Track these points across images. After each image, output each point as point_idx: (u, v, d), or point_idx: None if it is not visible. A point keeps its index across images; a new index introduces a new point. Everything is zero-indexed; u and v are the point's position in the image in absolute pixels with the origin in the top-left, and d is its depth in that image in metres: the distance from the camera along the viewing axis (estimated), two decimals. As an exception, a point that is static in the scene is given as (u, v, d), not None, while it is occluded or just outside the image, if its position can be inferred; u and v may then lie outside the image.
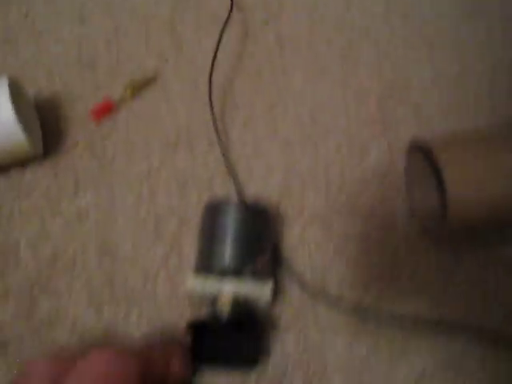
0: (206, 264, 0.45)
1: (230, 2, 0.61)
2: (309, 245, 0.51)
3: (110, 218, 0.53)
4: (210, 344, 0.44)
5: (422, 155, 0.50)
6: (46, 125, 0.56)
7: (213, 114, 0.54)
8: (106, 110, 0.57)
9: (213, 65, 0.55)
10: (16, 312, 0.49)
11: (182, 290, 0.50)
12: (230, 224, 0.46)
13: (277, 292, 0.49)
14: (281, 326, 0.48)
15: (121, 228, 0.52)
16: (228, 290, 0.44)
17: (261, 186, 0.54)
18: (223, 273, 0.44)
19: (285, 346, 0.47)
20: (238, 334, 0.44)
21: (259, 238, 0.46)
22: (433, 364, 0.47)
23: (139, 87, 0.58)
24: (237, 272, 0.44)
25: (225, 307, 0.44)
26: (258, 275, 0.45)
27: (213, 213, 0.47)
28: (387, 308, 0.49)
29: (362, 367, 0.47)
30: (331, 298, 0.49)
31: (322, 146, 0.56)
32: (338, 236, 0.52)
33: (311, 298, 0.49)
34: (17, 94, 0.52)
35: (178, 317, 0.48)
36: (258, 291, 0.44)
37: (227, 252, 0.45)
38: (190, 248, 0.50)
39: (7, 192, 0.54)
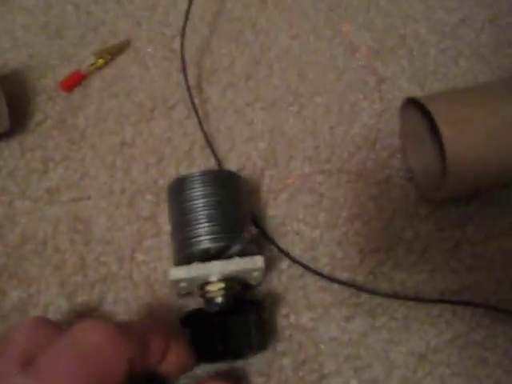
0: (185, 253, 0.40)
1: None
2: (297, 215, 0.47)
3: (81, 196, 0.49)
4: (209, 337, 0.38)
5: (419, 111, 0.46)
6: (12, 99, 0.52)
7: (186, 79, 0.49)
8: (77, 80, 0.53)
9: (185, 25, 0.50)
10: (-17, 301, 0.45)
11: (160, 272, 0.46)
12: (199, 198, 0.40)
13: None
14: (268, 307, 0.44)
15: (93, 206, 0.48)
16: (216, 271, 0.39)
17: (244, 154, 0.50)
18: (206, 256, 0.39)
19: (274, 326, 0.43)
20: (239, 319, 0.39)
21: (236, 209, 0.41)
22: (435, 341, 0.44)
23: (111, 54, 0.54)
24: (221, 252, 0.39)
25: (217, 293, 0.39)
26: (245, 251, 0.40)
27: (177, 191, 0.42)
28: (384, 283, 0.45)
29: (358, 347, 0.43)
30: (323, 273, 0.44)
31: (309, 107, 0.51)
32: (328, 205, 0.48)
33: (301, 274, 0.45)
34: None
35: (156, 300, 0.44)
36: (250, 265, 0.39)
37: (204, 232, 0.39)
38: (167, 226, 0.46)
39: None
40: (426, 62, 0.53)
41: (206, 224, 0.39)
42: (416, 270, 0.45)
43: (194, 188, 0.41)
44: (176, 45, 0.54)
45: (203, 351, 0.38)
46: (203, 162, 0.49)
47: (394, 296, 0.44)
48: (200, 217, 0.40)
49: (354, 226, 0.47)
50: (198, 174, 0.41)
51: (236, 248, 0.38)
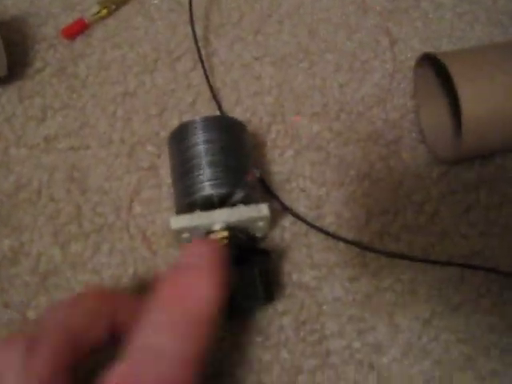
0: (187, 201, 0.38)
1: None
2: (303, 173, 0.45)
3: (79, 145, 0.47)
4: None
5: (433, 71, 0.44)
6: (11, 46, 0.50)
7: (193, 30, 0.47)
8: (79, 29, 0.51)
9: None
10: (-27, 248, 0.43)
11: (158, 224, 0.44)
12: (201, 144, 0.38)
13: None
14: (271, 263, 0.42)
15: (92, 156, 0.46)
16: (220, 220, 0.37)
17: (250, 108, 0.48)
18: (209, 204, 0.38)
19: (275, 287, 0.41)
20: (245, 270, 0.37)
21: (240, 156, 0.39)
22: (442, 306, 0.42)
23: (116, 4, 0.52)
24: (224, 199, 0.38)
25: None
26: (249, 199, 0.38)
27: (178, 138, 0.40)
28: (390, 244, 0.43)
29: (362, 308, 0.41)
30: (328, 233, 0.42)
31: (319, 64, 0.50)
32: (335, 164, 0.46)
33: (305, 232, 0.43)
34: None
35: (153, 253, 0.42)
36: (255, 213, 0.38)
37: (206, 178, 0.38)
38: (168, 178, 0.44)
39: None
40: (441, 25, 0.51)
41: (209, 170, 0.38)
42: (424, 233, 0.44)
43: (195, 134, 0.39)
44: (182, -5, 0.52)
45: None
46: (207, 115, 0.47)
47: (400, 256, 0.42)
48: (202, 163, 0.38)
49: (362, 185, 0.45)
50: (199, 120, 0.39)
51: (239, 194, 0.37)
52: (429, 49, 0.50)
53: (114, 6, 0.52)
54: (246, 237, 0.39)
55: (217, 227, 0.37)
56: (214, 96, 0.45)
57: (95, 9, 0.52)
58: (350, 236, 0.43)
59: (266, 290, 0.38)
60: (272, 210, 0.42)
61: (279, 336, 0.41)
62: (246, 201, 0.38)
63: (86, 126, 0.47)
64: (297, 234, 0.43)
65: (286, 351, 0.40)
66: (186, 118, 0.47)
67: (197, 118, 0.39)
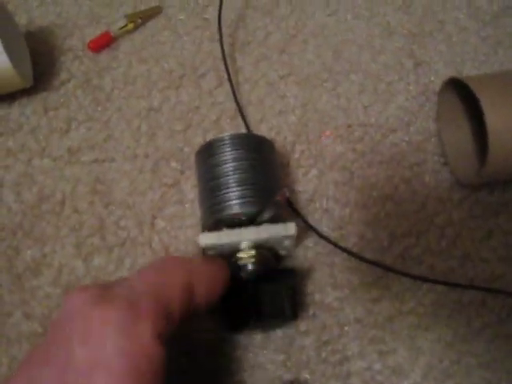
0: (215, 218, 0.38)
1: None
2: (326, 193, 0.46)
3: (104, 158, 0.47)
4: (243, 306, 0.37)
5: (457, 95, 0.44)
6: (38, 57, 0.51)
7: (222, 45, 0.48)
8: (105, 42, 0.51)
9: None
10: (-4, 258, 0.43)
11: (181, 240, 0.44)
12: (229, 161, 0.38)
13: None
14: (296, 281, 0.42)
15: (116, 169, 0.47)
16: (247, 238, 0.37)
17: (275, 127, 0.48)
18: (236, 223, 0.38)
19: (298, 306, 0.41)
20: (272, 287, 0.37)
21: (268, 174, 0.39)
22: (463, 330, 0.42)
23: (142, 19, 0.52)
24: (251, 218, 0.37)
25: (248, 260, 0.37)
26: (275, 218, 0.37)
27: (206, 155, 0.40)
28: (413, 267, 0.43)
29: (384, 330, 0.41)
30: (351, 253, 0.42)
31: (344, 85, 0.50)
32: (358, 185, 0.46)
33: (328, 252, 0.43)
34: (3, 19, 0.46)
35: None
36: (283, 232, 0.37)
37: (234, 196, 0.37)
38: (192, 194, 0.44)
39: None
40: (465, 48, 0.52)
41: (237, 188, 0.37)
42: (446, 257, 0.44)
43: (224, 151, 0.39)
44: (209, 14, 0.53)
45: (236, 318, 0.37)
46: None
47: (423, 279, 0.42)
48: (230, 181, 0.38)
49: (385, 207, 0.45)
50: (228, 137, 0.39)
51: (268, 213, 0.37)
52: (452, 72, 0.50)
53: (140, 21, 0.52)
54: (271, 255, 0.39)
55: (244, 246, 0.37)
56: (241, 113, 0.45)
57: (122, 22, 0.52)
58: (372, 257, 0.43)
59: (291, 308, 0.38)
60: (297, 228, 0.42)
61: (300, 355, 0.41)
62: (273, 219, 0.37)
63: (110, 139, 0.47)
64: (320, 253, 0.43)
65: (307, 371, 0.40)
66: (210, 136, 0.47)
67: (226, 134, 0.39)
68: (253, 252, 0.37)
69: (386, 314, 0.42)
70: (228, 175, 0.38)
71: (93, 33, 0.52)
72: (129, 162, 0.47)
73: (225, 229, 0.37)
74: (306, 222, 0.43)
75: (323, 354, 0.41)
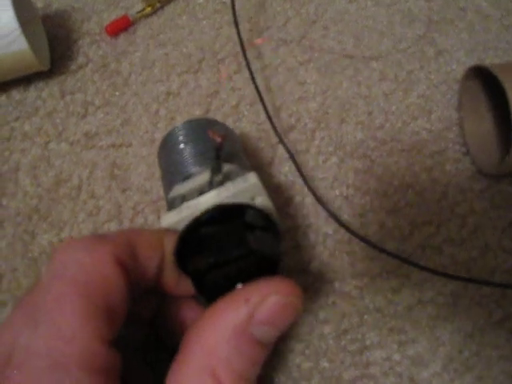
0: (175, 195, 0.35)
1: None
2: (347, 181, 0.45)
3: (121, 143, 0.46)
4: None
5: (480, 84, 0.44)
6: (55, 40, 0.50)
7: (238, 32, 0.47)
8: (123, 26, 0.51)
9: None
10: (12, 242, 0.43)
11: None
12: (178, 141, 0.37)
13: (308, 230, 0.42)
14: (312, 272, 0.42)
15: (133, 154, 0.46)
16: (209, 203, 0.32)
17: (294, 113, 0.47)
18: (191, 193, 0.34)
19: (317, 294, 0.41)
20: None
21: (205, 140, 0.37)
22: (483, 321, 0.41)
23: (160, 2, 0.52)
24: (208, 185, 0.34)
25: None
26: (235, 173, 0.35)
27: (163, 146, 0.39)
28: (433, 256, 0.43)
29: (404, 320, 0.41)
30: (370, 243, 0.42)
31: (364, 72, 0.49)
32: (379, 173, 0.45)
33: (348, 240, 0.43)
34: (20, 1, 0.45)
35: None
36: (242, 183, 0.33)
37: (187, 162, 0.36)
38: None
39: (8, 111, 0.48)
40: (487, 36, 0.51)
41: (187, 156, 0.36)
42: (467, 246, 0.43)
43: (174, 135, 0.38)
44: (228, -1, 0.52)
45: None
46: (251, 118, 0.47)
47: (440, 273, 0.41)
48: (183, 153, 0.37)
49: (405, 196, 0.44)
50: (180, 126, 0.38)
51: (220, 175, 0.33)
52: (474, 60, 0.49)
53: (158, 4, 0.51)
54: None
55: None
56: (261, 99, 0.44)
57: (140, 6, 0.51)
58: (392, 246, 0.43)
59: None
60: (314, 216, 0.42)
61: (319, 344, 0.40)
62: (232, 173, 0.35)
63: (127, 124, 0.47)
64: (339, 241, 0.43)
65: (326, 360, 0.40)
66: (228, 121, 0.47)
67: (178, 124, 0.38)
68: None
69: (406, 304, 0.41)
70: (183, 155, 0.37)
71: (110, 17, 0.52)
72: (146, 147, 0.46)
73: (184, 203, 0.33)
74: (326, 209, 0.42)
75: (342, 343, 0.40)
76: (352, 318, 0.41)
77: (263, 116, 0.46)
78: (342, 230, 0.43)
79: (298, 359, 0.40)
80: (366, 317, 0.41)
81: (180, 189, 0.35)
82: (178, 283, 0.33)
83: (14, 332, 0.27)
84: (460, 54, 0.50)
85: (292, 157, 0.43)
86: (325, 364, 0.40)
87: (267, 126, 0.46)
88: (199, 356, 0.28)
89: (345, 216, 0.44)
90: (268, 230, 0.33)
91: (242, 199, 0.33)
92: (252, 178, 0.33)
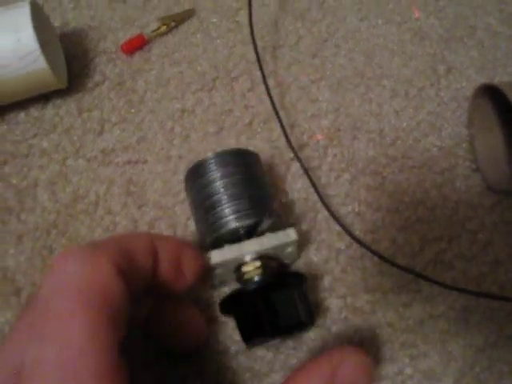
0: (213, 237, 0.38)
1: None
2: (359, 197, 0.46)
3: (137, 159, 0.47)
4: (255, 318, 0.36)
5: (490, 101, 0.45)
6: (72, 58, 0.52)
7: (256, 50, 0.48)
8: (138, 44, 0.52)
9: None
10: (31, 256, 0.44)
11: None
12: (218, 178, 0.38)
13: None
14: (325, 286, 0.42)
15: (149, 171, 0.47)
16: (250, 251, 0.37)
17: (307, 131, 0.48)
18: (235, 238, 0.37)
19: (330, 309, 0.42)
20: (283, 293, 0.36)
21: (258, 184, 0.39)
22: (495, 336, 0.42)
23: (175, 22, 0.53)
24: (250, 231, 0.37)
25: (255, 272, 0.37)
26: (274, 227, 0.38)
27: (196, 177, 0.39)
28: (444, 271, 0.43)
29: (415, 334, 0.41)
30: (384, 257, 0.42)
31: (375, 90, 0.50)
32: (390, 189, 0.46)
33: (360, 255, 0.43)
34: (39, 20, 0.47)
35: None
36: (284, 238, 0.37)
37: (229, 211, 0.37)
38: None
39: (26, 128, 0.49)
40: (497, 54, 0.52)
41: (230, 203, 0.37)
42: (478, 262, 0.44)
43: (212, 170, 0.38)
44: (241, 17, 0.54)
45: (251, 332, 0.36)
46: (264, 136, 0.48)
47: (455, 288, 0.42)
48: (223, 197, 0.37)
49: (416, 212, 0.45)
50: (213, 156, 0.39)
51: (267, 223, 0.37)
52: (484, 78, 0.50)
53: (173, 23, 0.53)
54: (277, 264, 0.39)
55: (247, 259, 0.37)
56: (278, 116, 0.45)
57: (155, 25, 0.52)
58: (404, 262, 0.43)
59: (307, 313, 0.37)
60: (326, 232, 0.43)
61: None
62: (272, 229, 0.37)
63: (143, 141, 0.48)
64: (352, 257, 0.43)
65: (339, 374, 0.40)
66: (242, 139, 0.48)
67: (210, 154, 0.39)
68: (258, 263, 0.37)
69: (417, 318, 0.42)
70: (219, 192, 0.38)
71: (126, 36, 0.53)
72: (162, 164, 0.47)
73: (226, 245, 0.37)
74: (340, 224, 0.43)
75: (355, 358, 0.41)
76: (364, 333, 0.41)
77: (276, 133, 0.47)
78: (355, 246, 0.43)
79: (312, 373, 0.40)
80: (377, 331, 0.41)
81: (233, 229, 0.37)
82: (177, 277, 0.34)
83: (20, 346, 0.28)
84: (470, 71, 0.51)
85: (307, 172, 0.44)
86: (338, 378, 0.40)
87: (280, 143, 0.47)
88: None
89: (356, 232, 0.44)
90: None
91: (278, 250, 0.38)
92: (292, 234, 0.38)
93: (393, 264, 0.42)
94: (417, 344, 0.41)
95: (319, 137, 0.47)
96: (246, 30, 0.50)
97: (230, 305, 0.37)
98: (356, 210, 0.45)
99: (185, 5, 0.54)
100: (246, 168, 0.39)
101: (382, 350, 0.41)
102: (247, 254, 0.37)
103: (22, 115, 0.49)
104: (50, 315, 0.27)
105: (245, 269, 0.37)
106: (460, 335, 0.41)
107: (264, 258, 0.37)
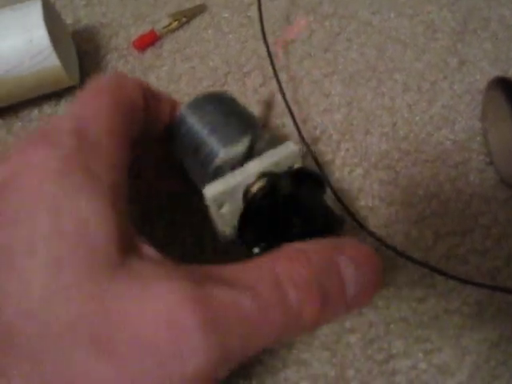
0: (208, 173, 0.34)
1: None
2: (372, 191, 0.46)
3: (150, 155, 0.47)
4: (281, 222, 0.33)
5: (504, 94, 0.44)
6: (84, 55, 0.52)
7: (267, 45, 0.48)
8: (150, 40, 0.52)
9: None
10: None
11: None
12: (197, 121, 0.36)
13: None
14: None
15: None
16: (254, 171, 0.33)
17: (319, 125, 0.48)
18: (230, 168, 0.34)
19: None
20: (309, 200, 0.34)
21: (237, 112, 0.37)
22: (510, 332, 0.41)
23: (186, 17, 0.53)
24: (246, 156, 0.35)
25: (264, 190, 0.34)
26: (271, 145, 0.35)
27: (175, 127, 0.37)
28: (458, 266, 0.43)
29: (429, 329, 0.41)
30: (398, 252, 0.42)
31: (387, 84, 0.50)
32: (404, 183, 0.46)
33: (374, 250, 0.43)
34: (51, 18, 0.47)
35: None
36: (285, 150, 0.34)
37: (217, 144, 0.35)
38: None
39: (40, 126, 0.49)
40: (511, 46, 0.51)
41: (215, 135, 0.35)
42: (491, 256, 0.44)
43: (187, 118, 0.37)
44: (252, 12, 0.53)
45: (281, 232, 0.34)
46: (277, 131, 0.48)
47: (469, 282, 0.42)
48: (206, 134, 0.35)
49: (430, 206, 0.45)
50: (184, 107, 0.37)
51: (261, 143, 0.35)
52: (497, 71, 0.50)
53: (184, 19, 0.53)
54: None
55: (252, 179, 0.34)
56: (290, 110, 0.45)
57: (166, 21, 0.52)
58: (418, 256, 0.43)
59: (332, 214, 0.35)
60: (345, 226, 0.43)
61: (346, 352, 0.41)
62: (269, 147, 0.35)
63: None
64: (365, 252, 0.43)
65: (353, 368, 0.40)
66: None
67: (182, 105, 0.37)
68: (265, 179, 0.34)
69: (432, 313, 0.42)
70: (201, 131, 0.36)
71: (137, 32, 0.53)
72: (175, 160, 0.47)
73: (227, 173, 0.34)
74: (354, 218, 0.43)
75: (369, 352, 0.41)
76: (378, 328, 0.41)
77: (289, 129, 0.47)
78: (368, 241, 0.43)
79: (325, 368, 0.40)
80: (392, 326, 0.41)
81: (224, 156, 0.34)
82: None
83: None
84: (483, 64, 0.51)
85: (320, 168, 0.44)
86: (351, 372, 0.40)
87: (293, 137, 0.46)
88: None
89: (370, 227, 0.44)
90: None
91: (283, 167, 0.34)
92: (291, 145, 0.34)
93: (408, 258, 0.42)
94: (431, 339, 0.41)
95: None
96: (258, 25, 0.50)
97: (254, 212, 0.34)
98: (370, 204, 0.45)
99: (196, 0, 0.54)
100: (220, 104, 0.37)
101: (396, 345, 0.41)
102: (250, 176, 0.34)
103: (35, 112, 0.49)
104: None
105: (254, 188, 0.34)
106: (474, 330, 0.41)
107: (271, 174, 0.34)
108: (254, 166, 0.34)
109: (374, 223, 0.44)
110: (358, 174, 0.46)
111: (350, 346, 0.41)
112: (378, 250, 0.43)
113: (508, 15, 0.53)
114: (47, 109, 0.50)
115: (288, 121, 0.47)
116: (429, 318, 0.42)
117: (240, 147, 0.35)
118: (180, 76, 0.51)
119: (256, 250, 0.34)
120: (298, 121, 0.47)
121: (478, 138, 0.48)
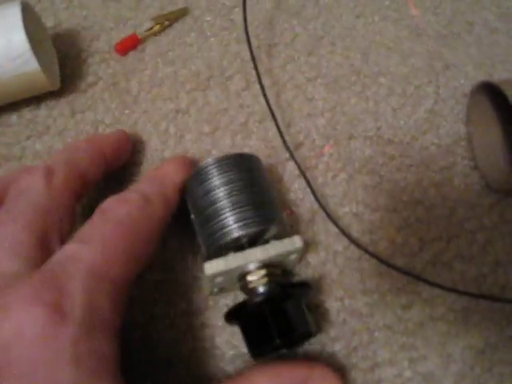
0: (217, 246, 0.36)
1: None
2: (356, 197, 0.45)
3: (131, 161, 0.47)
4: (263, 330, 0.35)
5: (489, 98, 0.44)
6: (65, 59, 0.51)
7: (250, 49, 0.47)
8: (132, 44, 0.51)
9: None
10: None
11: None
12: (220, 185, 0.37)
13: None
14: (322, 289, 0.42)
15: (144, 172, 0.46)
16: (255, 259, 0.36)
17: (303, 130, 0.48)
18: (239, 246, 0.37)
19: (327, 310, 0.41)
20: (290, 303, 0.36)
21: (263, 191, 0.38)
22: (495, 338, 0.41)
23: (169, 21, 0.52)
24: (254, 238, 0.37)
25: (260, 281, 0.36)
26: (279, 234, 0.37)
27: (196, 184, 0.38)
28: (443, 272, 0.43)
29: (414, 337, 0.41)
30: (381, 260, 0.42)
31: (372, 88, 0.49)
32: (388, 189, 0.45)
33: (358, 257, 0.43)
34: (31, 21, 0.46)
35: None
36: (290, 247, 0.36)
37: (232, 220, 0.36)
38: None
39: (20, 130, 0.48)
40: (495, 50, 0.51)
41: (234, 211, 0.36)
42: (477, 262, 0.43)
43: (213, 177, 0.37)
44: (235, 16, 0.53)
45: (259, 344, 0.35)
46: (260, 136, 0.47)
47: (454, 290, 0.41)
48: (225, 205, 0.36)
49: (415, 211, 0.44)
50: (214, 161, 0.38)
51: (273, 231, 0.36)
52: (482, 74, 0.50)
53: (167, 22, 0.52)
54: (280, 271, 0.38)
55: (252, 267, 0.36)
56: (273, 116, 0.45)
57: (148, 24, 0.52)
58: (402, 263, 0.43)
59: (313, 321, 0.37)
60: (323, 234, 0.42)
61: (330, 362, 0.40)
62: (277, 236, 0.37)
63: (137, 142, 0.47)
64: (349, 258, 0.43)
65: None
66: (237, 138, 0.47)
67: (210, 159, 0.38)
68: (263, 272, 0.36)
69: (417, 321, 0.41)
70: (221, 200, 0.36)
71: (119, 35, 0.52)
72: (156, 165, 0.46)
73: (231, 253, 0.36)
74: (337, 226, 0.43)
75: (353, 360, 0.40)
76: (362, 336, 0.41)
77: (272, 133, 0.46)
78: (352, 248, 0.43)
79: (309, 377, 0.40)
80: (376, 334, 0.41)
81: (237, 237, 0.36)
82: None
83: None
84: (468, 68, 0.50)
85: (303, 174, 0.43)
86: (336, 381, 0.39)
87: (276, 143, 0.46)
88: None
89: (354, 233, 0.44)
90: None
91: (282, 257, 0.37)
92: (298, 241, 0.36)
93: (390, 266, 0.41)
94: (416, 346, 0.41)
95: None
96: (241, 29, 0.50)
97: (237, 316, 0.36)
98: (353, 210, 0.45)
99: (178, 3, 0.53)
100: (249, 173, 0.38)
101: (380, 353, 0.40)
102: (252, 262, 0.36)
103: (14, 117, 0.48)
104: None
105: (250, 278, 0.36)
106: (460, 337, 0.41)
107: (268, 265, 0.36)
108: (257, 255, 0.36)
109: (358, 229, 0.44)
110: (342, 179, 0.46)
111: (334, 354, 0.40)
112: (360, 258, 0.42)
113: (491, 19, 0.52)
114: (27, 113, 0.49)
115: (271, 125, 0.46)
116: (414, 326, 0.41)
117: (254, 230, 0.36)
118: (162, 80, 0.50)
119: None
120: (281, 125, 0.47)
121: (463, 143, 0.47)
